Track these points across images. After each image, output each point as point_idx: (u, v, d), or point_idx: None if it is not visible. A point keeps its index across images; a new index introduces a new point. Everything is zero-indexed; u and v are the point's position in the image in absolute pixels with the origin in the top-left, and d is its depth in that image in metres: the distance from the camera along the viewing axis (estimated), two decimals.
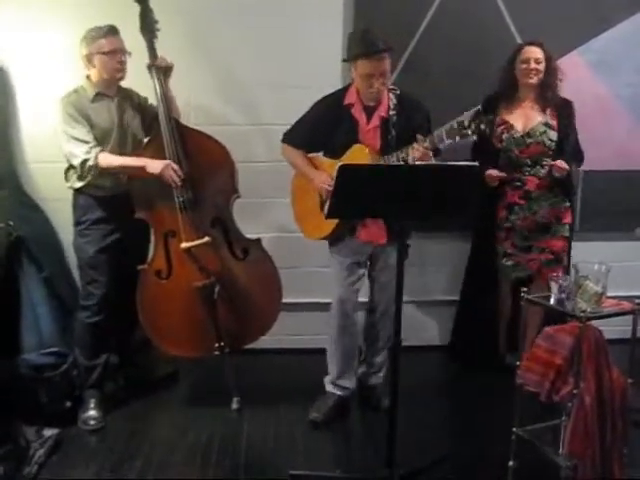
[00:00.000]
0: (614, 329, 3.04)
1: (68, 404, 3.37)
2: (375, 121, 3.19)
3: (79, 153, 3.16)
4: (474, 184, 2.61)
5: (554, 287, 2.70)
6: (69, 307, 3.69)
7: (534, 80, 3.56)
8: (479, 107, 2.83)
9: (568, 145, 3.61)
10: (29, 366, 3.36)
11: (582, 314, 2.56)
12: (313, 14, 3.83)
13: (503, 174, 3.57)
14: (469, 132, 2.81)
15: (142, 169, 3.19)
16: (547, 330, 2.73)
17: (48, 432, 3.10)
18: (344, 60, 3.26)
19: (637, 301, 2.72)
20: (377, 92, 3.13)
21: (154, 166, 3.19)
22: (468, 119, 2.81)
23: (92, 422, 3.31)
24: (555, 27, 3.87)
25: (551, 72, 3.57)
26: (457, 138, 2.85)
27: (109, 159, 3.19)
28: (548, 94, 3.59)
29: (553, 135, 3.58)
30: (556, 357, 2.63)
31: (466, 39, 3.88)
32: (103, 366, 3.43)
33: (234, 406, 3.44)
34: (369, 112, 3.20)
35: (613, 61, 4.05)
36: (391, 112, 3.18)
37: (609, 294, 2.68)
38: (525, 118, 3.63)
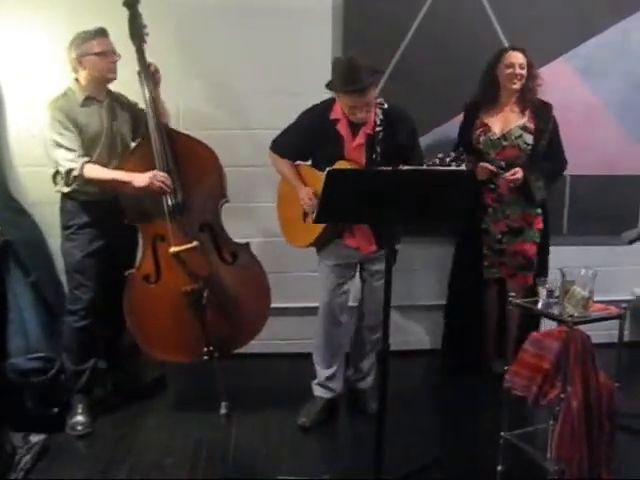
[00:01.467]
0: (601, 333, 3.06)
1: (55, 410, 3.34)
2: (360, 138, 3.17)
3: (65, 162, 3.15)
4: (462, 188, 2.61)
5: (542, 292, 2.72)
6: (56, 312, 3.68)
7: (517, 85, 3.58)
8: (461, 149, 2.85)
9: (544, 149, 3.63)
10: (16, 371, 3.34)
11: (569, 318, 2.58)
12: (302, 20, 3.83)
13: (493, 167, 3.59)
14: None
15: (128, 184, 3.18)
16: (534, 335, 2.75)
17: (35, 438, 3.08)
18: (326, 86, 3.16)
19: (624, 305, 2.74)
20: (361, 119, 3.12)
21: (140, 180, 3.17)
22: (450, 157, 2.83)
23: (80, 427, 3.29)
24: (542, 33, 3.90)
25: (531, 78, 3.60)
26: None
27: (95, 171, 3.17)
28: (527, 96, 3.61)
29: (529, 139, 3.61)
30: (543, 361, 2.64)
31: (454, 45, 3.90)
32: (91, 371, 3.41)
33: (222, 411, 3.42)
34: (355, 128, 3.18)
35: (600, 67, 4.08)
36: (377, 128, 3.16)
37: (596, 298, 2.70)
38: (504, 121, 3.65)
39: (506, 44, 3.87)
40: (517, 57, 3.57)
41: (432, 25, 3.90)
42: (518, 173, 3.53)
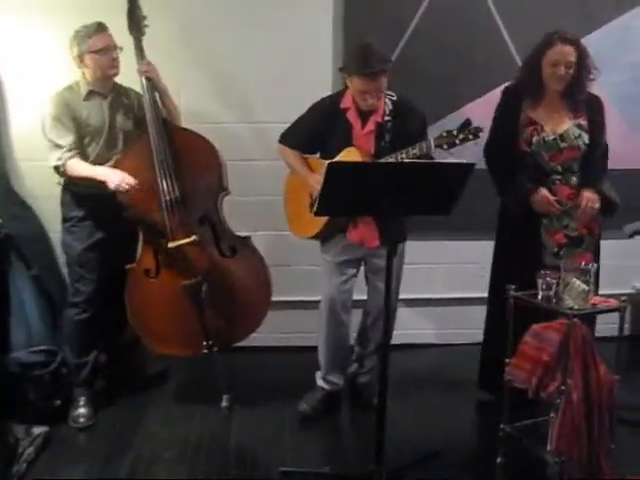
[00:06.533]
0: (601, 327, 3.06)
1: (58, 402, 3.35)
2: (370, 126, 3.17)
3: (52, 158, 3.19)
4: (462, 182, 2.61)
5: (541, 284, 2.72)
6: (58, 305, 3.69)
7: (561, 86, 3.14)
8: (468, 118, 2.84)
9: (598, 150, 3.28)
10: (18, 364, 3.35)
11: (569, 311, 2.58)
12: (304, 12, 3.84)
13: (557, 205, 3.17)
14: (457, 141, 2.89)
15: (103, 183, 3.16)
16: (535, 327, 2.75)
17: (37, 430, 3.09)
18: (340, 69, 3.24)
19: (623, 298, 2.74)
20: (371, 105, 3.13)
21: (112, 181, 3.13)
22: (457, 129, 2.87)
23: (82, 420, 3.31)
24: (544, 27, 3.86)
25: (582, 72, 3.13)
26: (445, 146, 2.90)
27: (77, 168, 3.18)
28: (576, 95, 3.17)
29: (587, 138, 3.19)
30: (543, 354, 2.64)
31: (455, 39, 3.88)
32: (92, 364, 3.43)
33: (224, 404, 3.43)
34: (364, 117, 3.18)
35: (602, 60, 4.04)
36: (386, 117, 3.17)
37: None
38: (556, 118, 3.22)
39: (507, 37, 3.84)
40: (564, 54, 3.08)
41: (432, 20, 3.88)
42: (592, 200, 3.16)
